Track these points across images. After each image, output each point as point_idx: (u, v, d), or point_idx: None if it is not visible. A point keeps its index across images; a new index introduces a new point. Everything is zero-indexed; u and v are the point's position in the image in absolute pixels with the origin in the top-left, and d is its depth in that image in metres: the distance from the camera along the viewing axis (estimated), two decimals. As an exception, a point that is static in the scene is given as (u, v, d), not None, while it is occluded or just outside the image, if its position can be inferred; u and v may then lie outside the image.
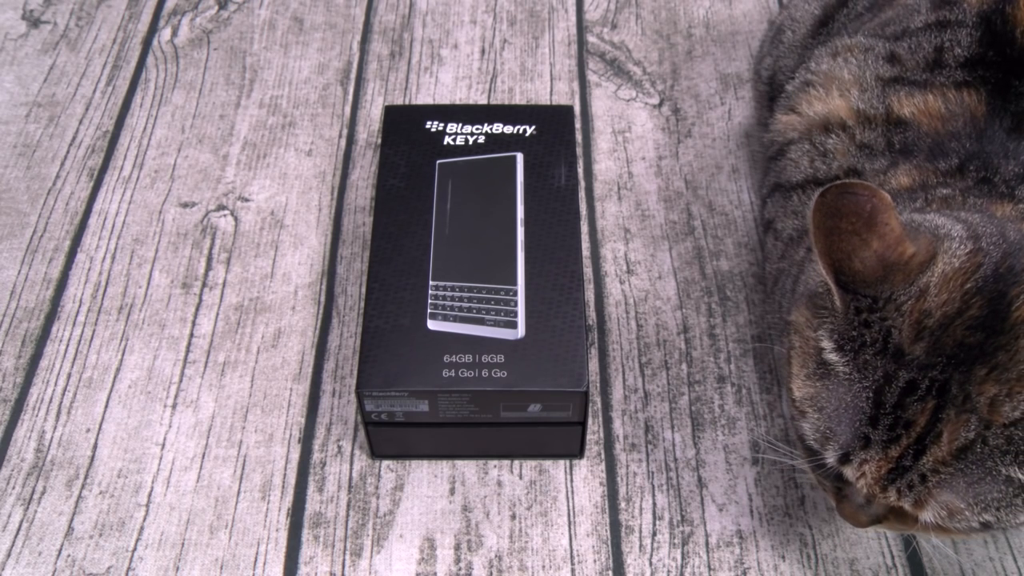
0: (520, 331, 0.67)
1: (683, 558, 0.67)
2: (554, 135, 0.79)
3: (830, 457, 0.53)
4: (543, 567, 0.66)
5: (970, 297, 0.50)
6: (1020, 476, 0.49)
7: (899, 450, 0.50)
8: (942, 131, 0.63)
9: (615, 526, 0.68)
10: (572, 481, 0.70)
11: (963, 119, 0.62)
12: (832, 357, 0.52)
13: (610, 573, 0.66)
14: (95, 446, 0.72)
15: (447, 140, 0.79)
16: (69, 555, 0.67)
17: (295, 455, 0.72)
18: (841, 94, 0.68)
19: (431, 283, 0.70)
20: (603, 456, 0.72)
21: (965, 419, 0.49)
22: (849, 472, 0.52)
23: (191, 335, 0.78)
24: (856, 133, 0.66)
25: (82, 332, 0.79)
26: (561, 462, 0.71)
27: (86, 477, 0.71)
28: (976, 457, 0.49)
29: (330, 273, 0.82)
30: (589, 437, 0.72)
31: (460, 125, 0.80)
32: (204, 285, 0.82)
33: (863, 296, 0.51)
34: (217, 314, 0.80)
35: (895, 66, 0.67)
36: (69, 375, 0.76)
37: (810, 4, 0.82)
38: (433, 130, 0.79)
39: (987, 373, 0.49)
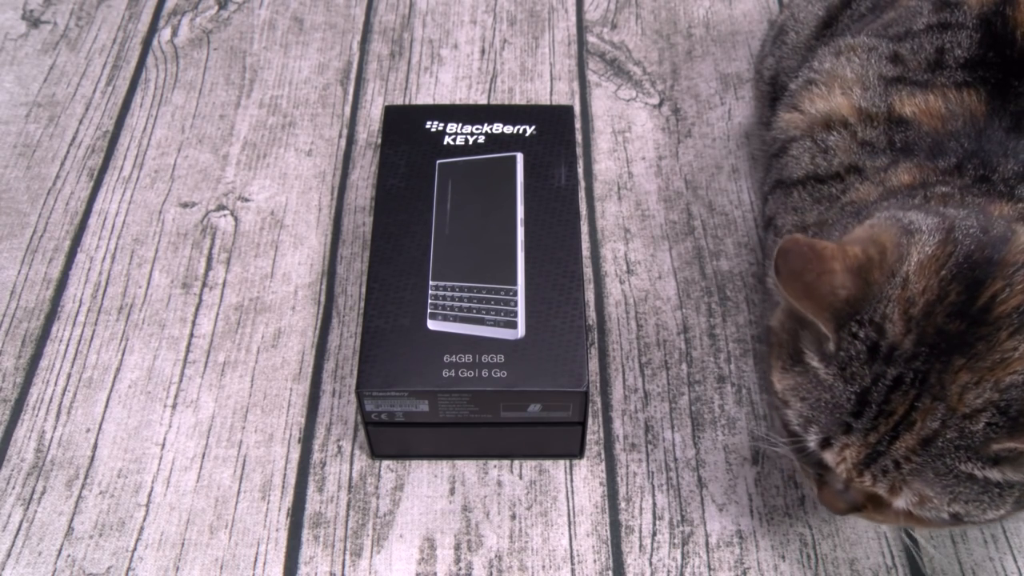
0: (520, 331, 0.67)
1: (683, 558, 0.67)
2: (554, 135, 0.79)
3: (811, 442, 0.54)
4: (543, 567, 0.66)
5: (947, 284, 0.51)
6: (977, 472, 0.50)
7: (877, 436, 0.51)
8: (942, 130, 0.63)
9: (615, 526, 0.68)
10: (572, 481, 0.70)
11: (963, 119, 0.63)
12: (815, 364, 0.54)
13: (610, 573, 0.66)
14: (95, 446, 0.72)
15: (447, 140, 0.79)
16: (69, 555, 0.67)
17: (295, 455, 0.72)
18: (843, 92, 0.68)
19: (431, 283, 0.70)
20: (603, 456, 0.72)
21: (934, 407, 0.50)
22: (829, 456, 0.53)
23: (191, 335, 0.78)
24: (858, 131, 0.66)
25: (82, 332, 0.79)
26: (561, 462, 0.71)
27: (86, 477, 0.71)
28: (938, 450, 0.50)
29: (330, 273, 0.82)
30: (589, 437, 0.72)
31: (460, 125, 0.80)
32: (204, 285, 0.82)
33: (854, 322, 0.52)
34: (217, 314, 0.80)
35: (898, 66, 0.67)
36: (69, 375, 0.76)
37: (814, 5, 0.82)
38: (433, 130, 0.79)
39: (964, 363, 0.50)
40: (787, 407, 0.55)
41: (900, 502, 0.52)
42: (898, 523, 0.55)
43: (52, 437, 0.73)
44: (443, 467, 0.71)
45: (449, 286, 0.69)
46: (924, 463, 0.50)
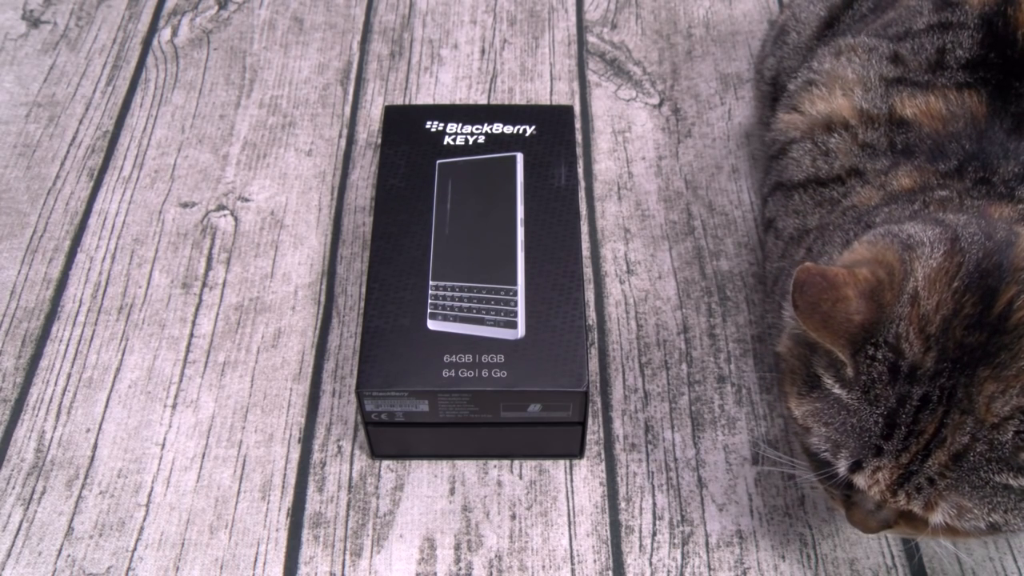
0: (520, 331, 0.67)
1: (683, 558, 0.67)
2: (554, 135, 0.79)
3: (841, 467, 0.53)
4: (543, 567, 0.66)
5: (960, 296, 0.51)
6: (1012, 482, 0.49)
7: (909, 456, 0.51)
8: (943, 132, 0.63)
9: (615, 526, 0.68)
10: (572, 481, 0.70)
11: (964, 120, 0.62)
12: (836, 390, 0.53)
13: (610, 573, 0.66)
14: (95, 446, 0.72)
15: (447, 140, 0.79)
16: (69, 555, 0.67)
17: (295, 455, 0.72)
18: (844, 93, 0.68)
19: (431, 283, 0.70)
20: (603, 456, 0.72)
21: (963, 421, 0.49)
22: (861, 480, 0.52)
23: (191, 335, 0.78)
24: (859, 133, 0.66)
25: (82, 332, 0.79)
26: (561, 462, 0.71)
27: (86, 477, 0.71)
28: (971, 464, 0.50)
29: (330, 273, 0.82)
30: (589, 437, 0.72)
31: (460, 125, 0.80)
32: (204, 285, 0.82)
33: (869, 345, 0.51)
34: (217, 314, 0.80)
35: (898, 66, 0.67)
36: (69, 375, 0.76)
37: (815, 5, 0.82)
38: (433, 130, 0.79)
39: (990, 373, 0.49)
40: (809, 433, 0.54)
41: (936, 517, 0.51)
42: (935, 537, 0.54)
43: (52, 437, 0.73)
44: (443, 467, 0.71)
45: (449, 286, 0.69)
46: (958, 478, 0.50)
